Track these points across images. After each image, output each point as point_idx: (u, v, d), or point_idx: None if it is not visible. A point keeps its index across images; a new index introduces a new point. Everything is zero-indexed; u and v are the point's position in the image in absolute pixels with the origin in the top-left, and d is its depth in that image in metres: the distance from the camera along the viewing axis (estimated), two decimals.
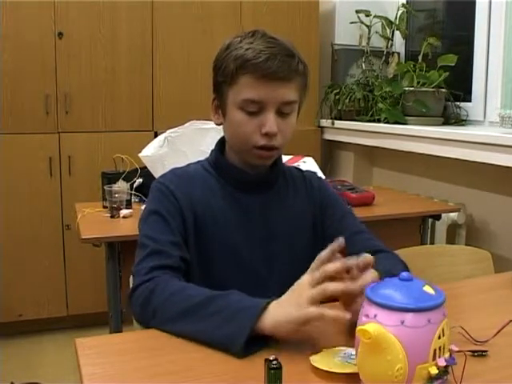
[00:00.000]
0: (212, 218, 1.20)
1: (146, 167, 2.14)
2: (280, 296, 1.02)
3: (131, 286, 1.13)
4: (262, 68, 1.11)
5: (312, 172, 1.39)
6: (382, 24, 3.23)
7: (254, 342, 0.93)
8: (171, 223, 1.17)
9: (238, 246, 1.20)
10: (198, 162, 1.30)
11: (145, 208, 1.24)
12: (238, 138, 1.19)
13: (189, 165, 1.30)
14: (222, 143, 1.27)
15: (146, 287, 1.07)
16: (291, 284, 1.17)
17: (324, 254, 0.97)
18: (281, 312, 0.94)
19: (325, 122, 3.41)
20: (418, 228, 2.45)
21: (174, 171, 1.26)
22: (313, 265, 0.97)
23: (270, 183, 1.26)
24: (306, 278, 0.96)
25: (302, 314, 0.92)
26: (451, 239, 2.68)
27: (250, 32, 1.17)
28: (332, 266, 0.94)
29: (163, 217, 1.17)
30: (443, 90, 2.82)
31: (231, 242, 1.20)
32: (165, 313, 1.02)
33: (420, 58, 2.91)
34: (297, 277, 1.21)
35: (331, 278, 0.94)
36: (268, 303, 0.96)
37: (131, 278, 1.28)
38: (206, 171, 1.26)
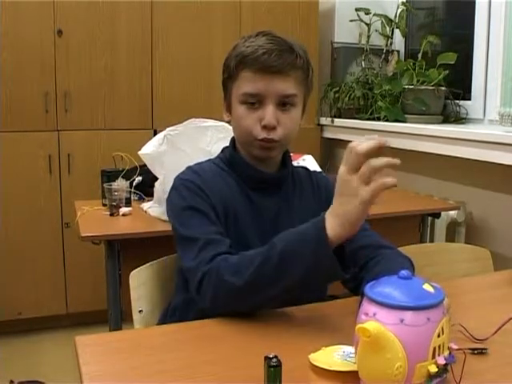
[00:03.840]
0: (234, 214, 1.21)
1: (145, 165, 2.14)
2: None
3: (195, 280, 1.08)
4: (258, 62, 1.15)
5: (319, 172, 1.42)
6: (382, 22, 3.23)
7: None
8: (210, 216, 1.16)
9: (251, 244, 1.21)
10: (209, 160, 1.31)
11: (174, 206, 1.21)
12: (241, 132, 1.22)
13: (200, 163, 1.31)
14: (234, 141, 1.29)
15: (211, 272, 1.05)
16: None
17: (364, 146, 0.94)
18: (344, 213, 0.96)
19: (324, 120, 3.41)
20: (418, 226, 2.45)
21: (191, 169, 1.26)
22: (347, 156, 0.96)
23: (279, 183, 1.28)
24: (344, 174, 0.95)
25: (364, 197, 0.94)
26: (451, 237, 2.68)
27: (256, 32, 1.21)
28: (378, 161, 0.95)
29: (200, 211, 1.16)
30: (443, 88, 2.81)
31: (245, 239, 1.21)
32: (240, 282, 1.02)
33: (420, 56, 2.91)
34: None
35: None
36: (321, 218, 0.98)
37: (131, 276, 1.28)
38: (219, 168, 1.27)
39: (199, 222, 1.15)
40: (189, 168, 1.27)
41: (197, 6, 3.05)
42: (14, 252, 2.85)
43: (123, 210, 2.07)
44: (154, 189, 2.06)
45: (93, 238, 1.88)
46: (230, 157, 1.28)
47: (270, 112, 1.16)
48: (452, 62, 2.72)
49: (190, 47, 3.07)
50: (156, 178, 2.04)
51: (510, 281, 1.34)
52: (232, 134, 1.30)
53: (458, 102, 2.85)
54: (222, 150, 1.32)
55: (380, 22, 3.24)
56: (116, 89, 2.96)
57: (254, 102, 1.17)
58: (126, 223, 2.01)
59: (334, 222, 0.96)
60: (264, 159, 1.24)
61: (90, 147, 2.92)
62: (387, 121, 2.93)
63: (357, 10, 3.26)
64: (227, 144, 1.32)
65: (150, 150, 2.05)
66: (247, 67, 1.17)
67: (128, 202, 2.14)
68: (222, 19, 3.11)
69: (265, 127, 1.17)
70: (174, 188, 1.23)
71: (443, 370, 0.77)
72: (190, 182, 1.20)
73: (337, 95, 3.26)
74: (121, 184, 2.11)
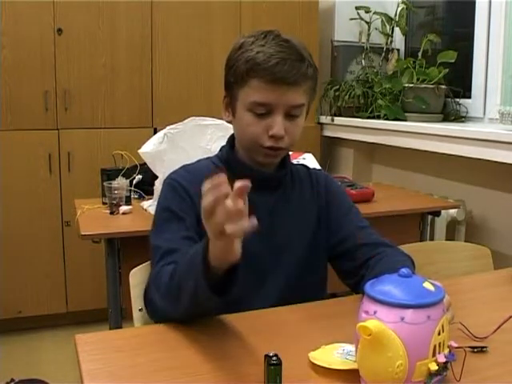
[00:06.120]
0: None
1: (145, 163, 2.14)
2: (285, 288, 1.04)
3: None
4: (271, 72, 1.12)
5: (318, 169, 1.41)
6: (382, 20, 3.23)
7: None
8: (184, 220, 1.16)
9: (246, 243, 1.21)
10: (208, 158, 1.31)
11: (157, 204, 1.23)
12: (246, 138, 1.20)
13: (199, 160, 1.31)
14: (232, 140, 1.28)
15: (151, 283, 1.09)
16: (295, 277, 1.17)
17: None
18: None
19: (324, 119, 3.41)
20: (418, 224, 2.45)
21: (185, 167, 1.27)
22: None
23: (278, 182, 1.28)
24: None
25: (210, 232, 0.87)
26: (451, 236, 2.68)
27: (263, 33, 1.18)
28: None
29: (175, 214, 1.17)
30: (443, 86, 2.82)
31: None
32: (156, 302, 1.06)
33: (420, 54, 2.91)
34: (301, 270, 1.23)
35: None
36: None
37: (131, 274, 1.28)
38: (216, 167, 1.26)
39: (172, 226, 1.16)
40: (183, 167, 1.27)
41: (197, 5, 3.04)
42: (14, 250, 2.85)
43: (123, 208, 2.07)
44: (154, 187, 2.06)
45: (93, 236, 1.88)
46: (227, 156, 1.27)
47: (279, 122, 1.15)
48: (452, 61, 2.72)
49: (190, 46, 3.06)
50: (156, 177, 2.04)
51: (510, 279, 1.34)
52: (231, 133, 1.29)
53: (458, 100, 2.85)
54: (220, 149, 1.32)
55: (380, 20, 3.23)
56: (116, 87, 2.96)
57: (263, 112, 1.16)
58: (126, 222, 2.01)
59: (211, 248, 0.91)
60: (267, 165, 1.24)
61: (90, 146, 2.92)
62: (387, 119, 2.93)
63: (357, 8, 3.26)
64: None
65: (150, 148, 2.06)
66: (259, 76, 1.14)
67: (128, 201, 2.14)
68: (221, 19, 3.10)
69: (272, 136, 1.16)
70: (163, 185, 1.25)
71: (443, 367, 0.77)
72: (176, 183, 1.21)
73: (337, 94, 3.26)
74: (121, 182, 2.11)
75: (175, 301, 1.00)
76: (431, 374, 0.76)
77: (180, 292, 0.98)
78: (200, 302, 0.95)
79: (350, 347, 0.88)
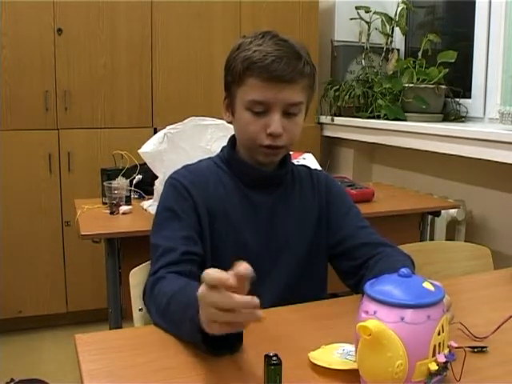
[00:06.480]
0: (224, 213, 1.22)
1: (145, 163, 2.14)
2: (285, 288, 1.05)
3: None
4: (267, 70, 1.13)
5: (319, 170, 1.42)
6: (382, 20, 3.23)
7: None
8: (185, 219, 1.17)
9: (246, 242, 1.22)
10: (210, 158, 1.32)
11: (158, 204, 1.24)
12: (246, 137, 1.21)
13: (201, 161, 1.32)
14: (233, 140, 1.29)
15: (149, 289, 1.10)
16: (295, 276, 1.16)
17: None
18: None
19: (324, 119, 3.41)
20: (418, 224, 2.45)
21: (187, 167, 1.28)
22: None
23: (278, 181, 1.28)
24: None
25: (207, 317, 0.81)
26: (451, 236, 2.68)
27: (261, 33, 1.19)
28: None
29: (176, 213, 1.18)
30: (443, 86, 2.81)
31: (241, 237, 1.22)
32: (151, 313, 1.07)
33: (420, 54, 2.91)
34: (301, 270, 1.23)
35: None
36: None
37: (131, 274, 1.28)
38: (218, 167, 1.27)
39: (172, 225, 1.17)
40: (185, 166, 1.28)
41: (197, 5, 3.04)
42: (15, 250, 2.85)
43: (123, 208, 2.07)
44: (154, 187, 2.06)
45: (93, 236, 1.88)
46: (228, 156, 1.28)
47: (276, 120, 1.16)
48: (452, 61, 2.72)
49: (190, 46, 3.06)
50: (156, 177, 2.04)
51: (509, 279, 1.34)
52: (231, 133, 1.30)
53: (458, 100, 2.85)
54: (222, 149, 1.32)
55: (380, 20, 3.23)
56: (116, 87, 2.96)
57: (261, 110, 1.16)
58: (126, 222, 2.01)
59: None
60: (267, 164, 1.25)
61: (90, 146, 2.92)
62: (387, 119, 2.93)
63: (357, 8, 3.26)
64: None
65: (150, 148, 2.06)
66: (255, 75, 1.14)
67: (128, 201, 2.14)
68: (221, 19, 3.10)
69: (270, 135, 1.17)
70: (164, 185, 1.25)
71: (443, 367, 0.77)
72: (178, 182, 1.22)
73: (337, 94, 3.26)
74: (121, 182, 2.11)
75: (171, 328, 1.00)
76: (431, 374, 0.76)
77: (175, 325, 0.97)
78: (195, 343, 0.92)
79: (350, 347, 0.88)
